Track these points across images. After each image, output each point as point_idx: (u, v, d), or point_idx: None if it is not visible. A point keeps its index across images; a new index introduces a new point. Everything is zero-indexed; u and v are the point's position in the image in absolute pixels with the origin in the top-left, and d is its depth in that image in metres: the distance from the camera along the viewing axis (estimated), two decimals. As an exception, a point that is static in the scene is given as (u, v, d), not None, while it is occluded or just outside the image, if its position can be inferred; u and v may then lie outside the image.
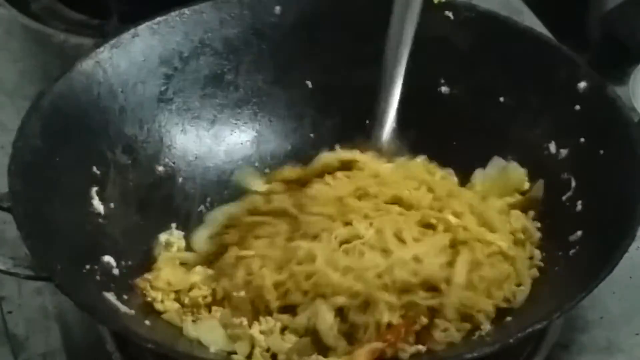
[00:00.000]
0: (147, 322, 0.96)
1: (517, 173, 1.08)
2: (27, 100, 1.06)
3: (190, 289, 1.01)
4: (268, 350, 0.95)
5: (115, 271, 1.00)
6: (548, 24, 1.31)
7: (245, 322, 0.96)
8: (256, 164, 1.15)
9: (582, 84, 1.07)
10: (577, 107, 1.07)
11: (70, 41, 1.33)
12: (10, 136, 1.01)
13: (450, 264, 0.98)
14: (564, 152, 1.07)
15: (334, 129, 1.16)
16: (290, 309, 0.97)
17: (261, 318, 0.97)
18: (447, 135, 1.13)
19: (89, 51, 1.08)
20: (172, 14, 1.12)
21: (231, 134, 1.15)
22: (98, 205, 1.03)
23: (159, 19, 1.11)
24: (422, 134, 1.14)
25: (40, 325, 1.06)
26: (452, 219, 1.01)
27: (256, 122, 1.16)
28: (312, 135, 1.16)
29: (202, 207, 1.11)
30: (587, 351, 1.04)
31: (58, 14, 1.39)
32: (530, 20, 1.33)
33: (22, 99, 1.21)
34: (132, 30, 1.10)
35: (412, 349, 0.94)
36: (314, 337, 0.95)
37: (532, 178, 1.08)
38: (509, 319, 0.97)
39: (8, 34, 1.38)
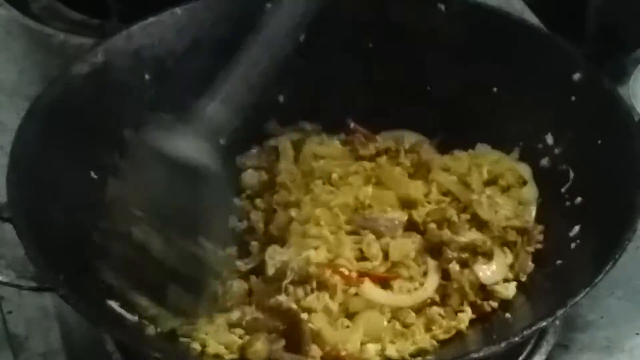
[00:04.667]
0: (150, 330, 0.95)
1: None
2: (26, 100, 1.06)
3: None
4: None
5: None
6: (546, 21, 1.31)
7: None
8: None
9: (577, 75, 1.07)
10: (573, 98, 1.07)
11: (70, 41, 1.33)
12: (10, 136, 1.01)
13: None
14: (560, 143, 1.07)
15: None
16: None
17: None
18: (442, 130, 1.13)
19: (83, 54, 1.08)
20: (164, 13, 1.12)
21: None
22: (98, 211, 1.03)
23: (151, 19, 1.11)
24: (416, 128, 1.14)
25: (40, 325, 1.06)
26: None
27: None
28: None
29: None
30: (587, 351, 1.04)
31: (58, 14, 1.38)
32: (531, 20, 1.33)
33: (22, 99, 1.21)
34: (124, 32, 1.10)
35: None
36: None
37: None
38: (509, 316, 0.97)
39: (8, 34, 1.38)
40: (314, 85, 1.16)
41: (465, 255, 1.00)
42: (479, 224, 1.03)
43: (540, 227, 1.04)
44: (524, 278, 1.01)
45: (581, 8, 1.29)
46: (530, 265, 1.02)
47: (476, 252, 1.00)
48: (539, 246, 1.03)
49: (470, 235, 1.01)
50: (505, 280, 1.01)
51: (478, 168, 1.08)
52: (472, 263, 1.00)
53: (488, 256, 1.01)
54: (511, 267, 1.02)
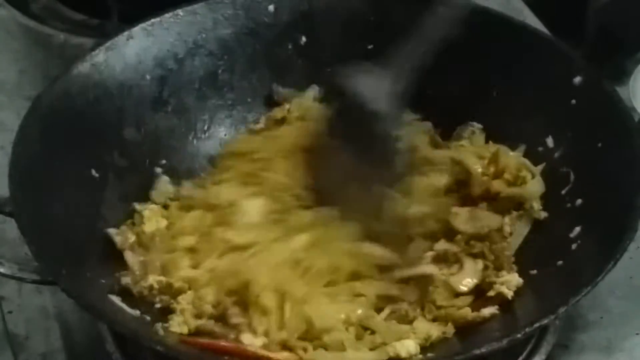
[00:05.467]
0: (155, 325, 0.95)
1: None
2: (27, 100, 1.06)
3: None
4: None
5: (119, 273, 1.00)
6: (546, 21, 1.31)
7: None
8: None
9: (578, 79, 1.07)
10: (573, 101, 1.07)
11: (70, 41, 1.33)
12: (10, 136, 1.01)
13: None
14: (561, 146, 1.07)
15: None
16: None
17: None
18: (442, 132, 1.13)
19: (84, 54, 1.08)
20: (166, 15, 1.12)
21: (227, 135, 1.15)
22: (99, 208, 1.03)
23: (152, 20, 1.11)
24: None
25: (40, 325, 1.06)
26: None
27: (252, 123, 1.16)
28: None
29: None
30: (587, 351, 1.04)
31: (58, 14, 1.39)
32: (531, 20, 1.33)
33: (22, 99, 1.21)
34: (126, 33, 1.10)
35: None
36: None
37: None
38: (512, 314, 0.97)
39: (8, 34, 1.38)
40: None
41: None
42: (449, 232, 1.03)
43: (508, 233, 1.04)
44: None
45: (581, 8, 1.29)
46: (513, 267, 1.01)
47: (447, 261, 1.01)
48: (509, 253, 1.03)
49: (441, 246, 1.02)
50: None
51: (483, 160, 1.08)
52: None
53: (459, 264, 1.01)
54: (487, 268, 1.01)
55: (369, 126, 1.00)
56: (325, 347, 0.94)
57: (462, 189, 1.07)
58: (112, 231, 1.02)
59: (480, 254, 1.01)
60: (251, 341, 0.93)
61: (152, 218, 1.04)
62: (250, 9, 1.14)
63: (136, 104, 1.10)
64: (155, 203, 1.07)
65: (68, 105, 1.05)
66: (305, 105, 1.14)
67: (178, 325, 0.95)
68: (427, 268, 0.99)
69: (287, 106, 1.14)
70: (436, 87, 1.14)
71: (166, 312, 0.97)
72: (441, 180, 1.06)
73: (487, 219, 1.03)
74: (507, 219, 1.05)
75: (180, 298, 0.98)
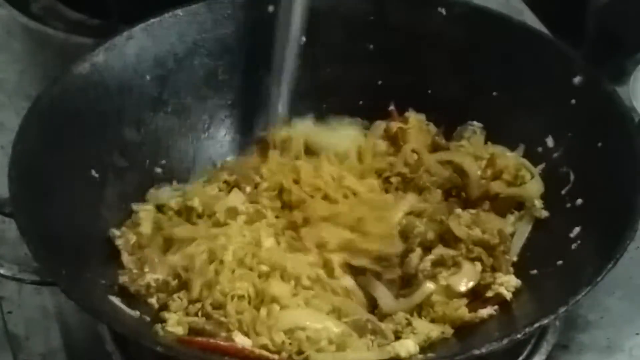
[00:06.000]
0: (155, 326, 0.96)
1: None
2: (27, 100, 1.06)
3: None
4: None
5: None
6: (546, 21, 1.31)
7: None
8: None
9: (577, 78, 1.07)
10: (573, 101, 1.07)
11: (70, 41, 1.33)
12: (10, 136, 1.01)
13: None
14: (561, 146, 1.07)
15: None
16: None
17: None
18: (442, 131, 1.13)
19: (84, 54, 1.08)
20: (166, 15, 1.12)
21: (227, 135, 1.16)
22: (99, 208, 1.04)
23: (152, 20, 1.12)
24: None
25: (40, 325, 1.06)
26: None
27: (253, 122, 1.16)
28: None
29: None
30: (587, 351, 1.04)
31: (58, 14, 1.39)
32: (531, 20, 1.33)
33: (22, 99, 1.21)
34: (126, 33, 1.10)
35: None
36: None
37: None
38: (512, 314, 0.97)
39: (8, 34, 1.38)
40: (314, 86, 1.16)
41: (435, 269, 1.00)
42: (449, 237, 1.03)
43: (509, 239, 1.04)
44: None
45: (581, 8, 1.29)
46: (510, 270, 1.01)
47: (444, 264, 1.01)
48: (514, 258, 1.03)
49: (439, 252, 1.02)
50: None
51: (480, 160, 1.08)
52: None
53: (457, 266, 1.01)
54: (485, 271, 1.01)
55: None
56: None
57: (463, 192, 1.07)
58: (114, 232, 1.02)
59: (479, 257, 1.01)
60: (243, 340, 0.93)
61: (147, 219, 1.04)
62: (250, 9, 1.14)
63: (136, 104, 1.10)
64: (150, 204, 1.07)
65: (68, 105, 1.05)
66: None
67: (174, 324, 0.95)
68: (426, 289, 0.99)
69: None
70: (436, 87, 1.15)
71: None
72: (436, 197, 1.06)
73: (489, 222, 1.03)
74: (511, 219, 1.05)
75: (175, 296, 0.98)
